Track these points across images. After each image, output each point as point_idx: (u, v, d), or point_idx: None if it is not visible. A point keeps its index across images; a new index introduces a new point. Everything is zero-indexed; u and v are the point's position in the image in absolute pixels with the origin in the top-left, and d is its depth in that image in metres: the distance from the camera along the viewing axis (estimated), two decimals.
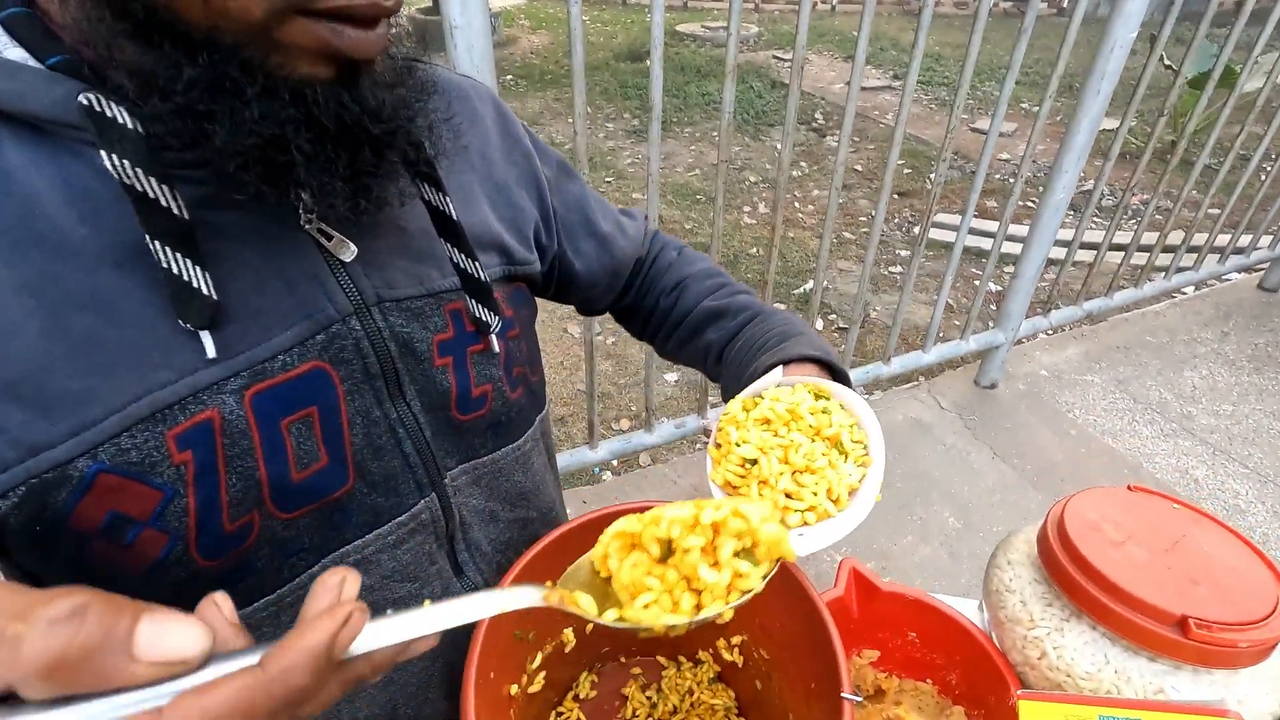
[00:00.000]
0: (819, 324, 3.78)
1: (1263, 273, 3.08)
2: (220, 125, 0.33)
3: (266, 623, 0.44)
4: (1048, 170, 2.17)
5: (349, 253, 0.43)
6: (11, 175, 0.34)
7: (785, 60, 8.66)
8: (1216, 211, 2.79)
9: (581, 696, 0.73)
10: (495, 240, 0.53)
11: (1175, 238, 2.78)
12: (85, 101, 0.33)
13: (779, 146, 6.41)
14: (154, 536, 0.37)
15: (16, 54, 0.35)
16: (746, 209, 4.73)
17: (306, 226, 0.42)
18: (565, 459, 1.90)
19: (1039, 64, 7.18)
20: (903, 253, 4.23)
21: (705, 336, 0.67)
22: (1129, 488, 0.65)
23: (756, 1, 12.89)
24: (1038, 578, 0.63)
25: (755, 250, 4.22)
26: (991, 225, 3.61)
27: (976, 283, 2.32)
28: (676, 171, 5.49)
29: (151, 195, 0.34)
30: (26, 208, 0.34)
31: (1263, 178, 2.75)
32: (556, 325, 3.54)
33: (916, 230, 3.21)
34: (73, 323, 0.34)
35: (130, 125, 0.33)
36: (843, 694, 0.51)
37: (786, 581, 0.59)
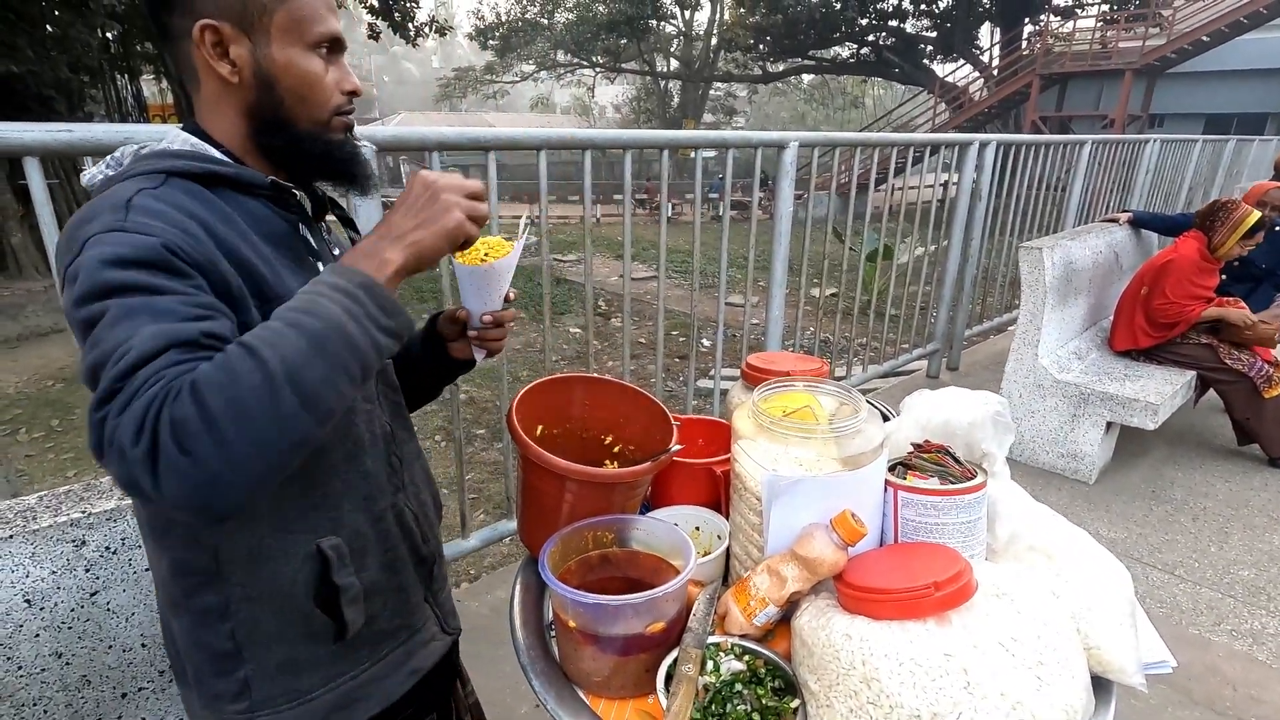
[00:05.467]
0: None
1: (925, 366, 4.19)
2: (309, 161, 0.75)
3: None
4: (788, 329, 2.97)
5: (335, 249, 0.83)
6: (232, 201, 0.70)
7: (564, 261, 9.89)
8: (894, 336, 3.83)
9: None
10: None
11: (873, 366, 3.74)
12: (270, 179, 0.72)
13: (573, 330, 7.22)
14: None
15: (218, 153, 0.71)
16: None
17: (323, 234, 0.82)
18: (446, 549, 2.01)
19: (765, 254, 9.08)
20: (694, 402, 4.93)
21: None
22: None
23: (533, 216, 14.75)
24: None
25: None
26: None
27: None
28: None
29: (306, 207, 0.77)
30: (245, 211, 0.70)
31: (914, 318, 3.89)
32: None
33: (700, 383, 4.07)
34: (271, 259, 0.69)
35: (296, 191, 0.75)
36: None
37: (639, 400, 1.04)
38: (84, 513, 0.92)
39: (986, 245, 4.07)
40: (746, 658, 0.75)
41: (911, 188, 3.98)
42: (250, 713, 0.73)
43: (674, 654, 0.75)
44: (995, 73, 16.90)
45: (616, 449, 1.06)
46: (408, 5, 11.98)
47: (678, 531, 0.84)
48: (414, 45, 12.75)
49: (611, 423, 1.05)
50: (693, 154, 2.45)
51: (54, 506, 0.93)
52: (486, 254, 0.78)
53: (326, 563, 0.72)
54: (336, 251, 0.81)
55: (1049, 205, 4.57)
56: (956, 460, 0.82)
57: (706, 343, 6.80)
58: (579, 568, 0.85)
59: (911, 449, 0.87)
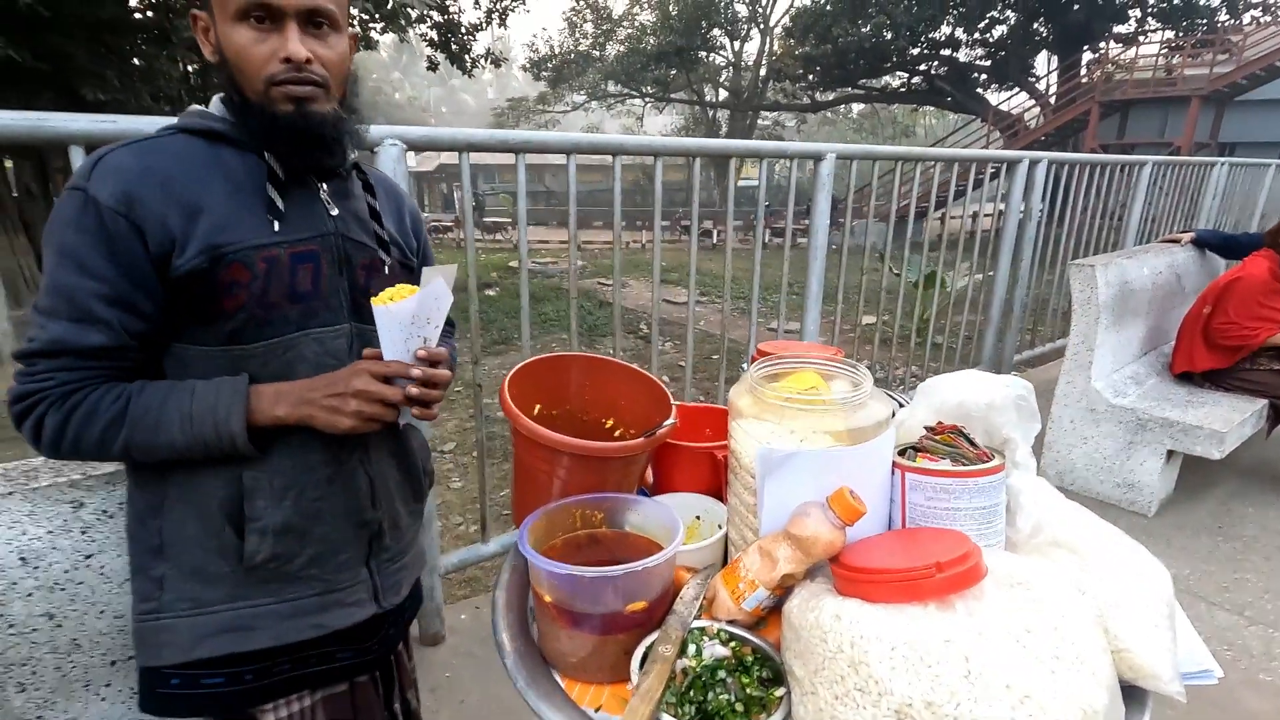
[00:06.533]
0: None
1: None
2: (259, 129, 0.81)
3: (263, 354, 0.82)
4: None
5: (335, 209, 0.88)
6: (224, 155, 0.82)
7: (608, 285, 9.96)
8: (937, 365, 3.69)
9: None
10: (399, 242, 0.98)
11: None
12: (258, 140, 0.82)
13: (611, 351, 7.24)
14: (244, 293, 0.79)
15: (219, 110, 0.84)
16: None
17: (322, 195, 0.87)
18: (461, 554, 2.05)
19: (800, 279, 8.96)
20: None
21: None
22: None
23: (578, 242, 14.95)
24: None
25: None
26: None
27: None
28: None
29: (272, 168, 0.82)
30: (227, 164, 0.82)
31: (959, 344, 3.75)
32: None
33: None
34: (238, 206, 0.80)
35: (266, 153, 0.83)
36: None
37: (631, 375, 1.02)
38: (84, 474, 0.93)
39: (1038, 274, 3.90)
40: (733, 644, 0.69)
41: (954, 217, 3.85)
42: (156, 614, 0.82)
43: (653, 635, 0.70)
44: (1052, 100, 16.53)
45: (617, 433, 1.02)
46: (466, 38, 12.44)
47: (668, 510, 0.79)
48: (470, 76, 13.19)
49: (611, 404, 1.02)
50: (740, 182, 2.42)
51: (56, 467, 0.94)
52: (392, 297, 0.80)
53: (243, 489, 0.81)
54: (335, 212, 0.88)
55: (1106, 232, 4.37)
56: (971, 442, 0.75)
57: (746, 366, 6.68)
58: (565, 547, 0.81)
59: (924, 432, 0.80)
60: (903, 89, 21.06)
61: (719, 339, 7.31)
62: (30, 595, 0.90)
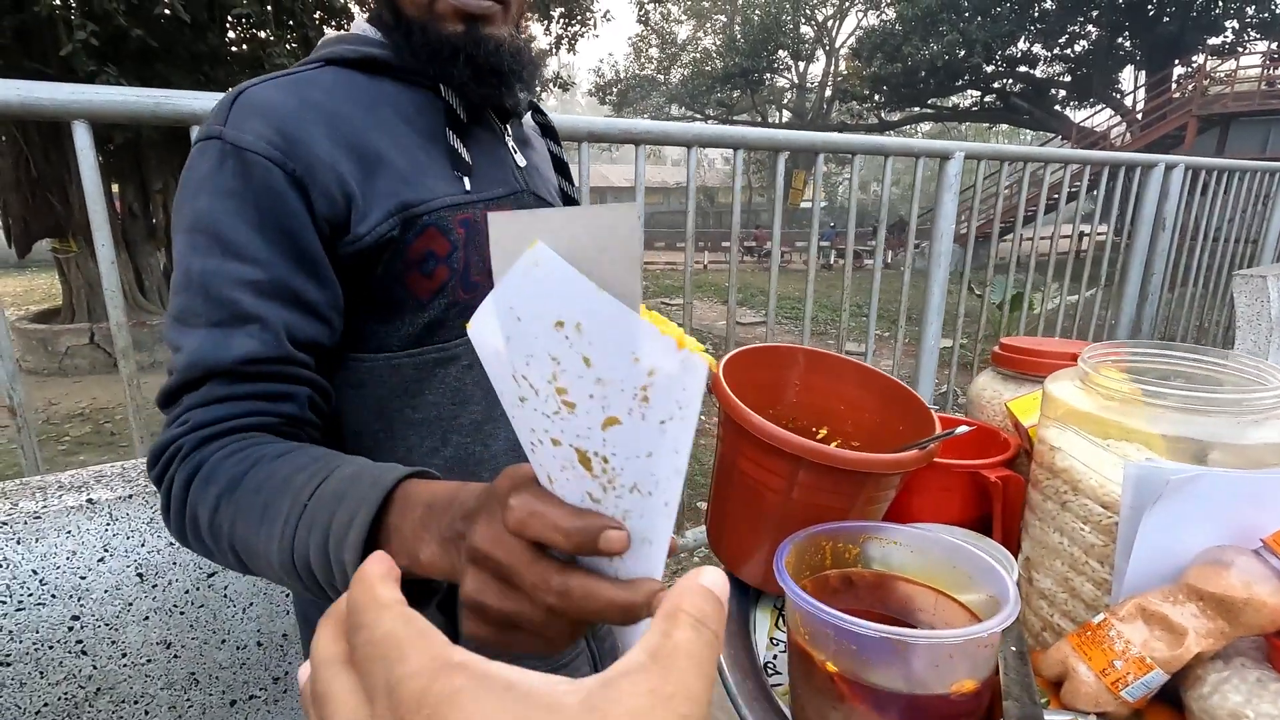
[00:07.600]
0: None
1: None
2: (427, 55, 0.64)
3: (466, 355, 0.65)
4: (908, 380, 2.64)
5: (521, 160, 0.74)
6: (388, 91, 0.65)
7: (671, 304, 9.81)
8: None
9: None
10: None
11: None
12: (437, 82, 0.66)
13: None
14: (444, 270, 0.62)
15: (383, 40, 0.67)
16: None
17: (508, 141, 0.73)
18: None
19: (885, 302, 8.61)
20: None
21: None
22: None
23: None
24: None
25: None
26: None
27: None
28: None
29: (455, 109, 0.66)
30: (396, 102, 0.65)
31: None
32: None
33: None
34: (420, 154, 0.63)
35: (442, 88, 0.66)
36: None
37: (865, 375, 0.81)
38: None
39: (1163, 294, 3.52)
40: None
41: (1041, 238, 3.52)
42: None
43: None
44: (1139, 116, 15.68)
45: (834, 444, 0.82)
46: None
47: (968, 550, 0.59)
48: (538, 100, 13.42)
49: (827, 410, 0.82)
50: (802, 204, 2.23)
51: None
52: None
53: None
54: (523, 163, 0.73)
55: (1243, 247, 3.95)
56: None
57: None
58: (814, 589, 0.61)
59: None
60: (975, 107, 20.44)
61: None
62: (147, 619, 0.76)
